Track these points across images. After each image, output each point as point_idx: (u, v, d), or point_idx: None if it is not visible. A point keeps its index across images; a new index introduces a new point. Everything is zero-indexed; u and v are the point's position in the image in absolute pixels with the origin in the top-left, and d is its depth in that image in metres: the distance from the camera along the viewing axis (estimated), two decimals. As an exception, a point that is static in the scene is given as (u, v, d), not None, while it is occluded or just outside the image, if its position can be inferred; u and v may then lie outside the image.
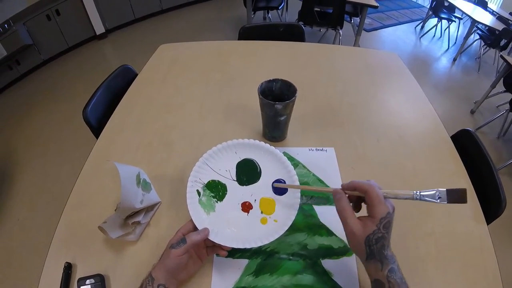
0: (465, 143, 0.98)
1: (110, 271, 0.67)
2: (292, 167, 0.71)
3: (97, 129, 1.07)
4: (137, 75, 1.29)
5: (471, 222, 0.76)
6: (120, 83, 1.26)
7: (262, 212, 0.69)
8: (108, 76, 1.25)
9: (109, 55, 3.74)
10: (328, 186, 0.82)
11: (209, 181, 0.72)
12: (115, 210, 0.75)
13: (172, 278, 0.59)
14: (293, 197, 0.68)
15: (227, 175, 0.73)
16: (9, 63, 3.02)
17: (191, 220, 0.64)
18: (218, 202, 0.70)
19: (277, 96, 0.84)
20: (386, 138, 0.97)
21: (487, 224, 0.76)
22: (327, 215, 0.76)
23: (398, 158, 0.91)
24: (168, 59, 1.36)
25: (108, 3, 3.76)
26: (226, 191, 0.72)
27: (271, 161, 0.73)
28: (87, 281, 0.64)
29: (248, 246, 0.62)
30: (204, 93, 1.15)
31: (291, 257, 0.69)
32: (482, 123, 2.63)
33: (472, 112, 2.86)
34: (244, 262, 0.68)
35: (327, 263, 0.68)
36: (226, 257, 0.67)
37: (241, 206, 0.70)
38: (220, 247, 0.63)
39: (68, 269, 0.67)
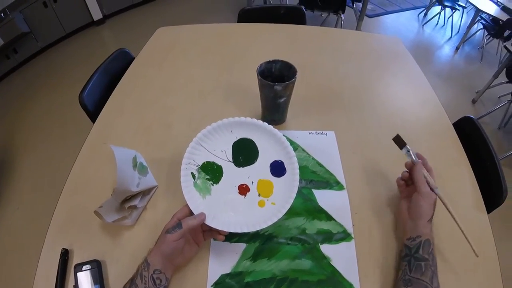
0: (467, 131, 0.96)
1: (107, 256, 0.66)
2: (290, 147, 0.69)
3: (94, 114, 1.05)
4: (134, 58, 1.26)
5: (472, 211, 0.75)
6: (117, 66, 1.23)
7: (259, 195, 0.67)
8: (105, 60, 1.22)
9: (108, 41, 3.68)
10: (328, 170, 0.81)
11: (204, 162, 0.69)
12: (112, 194, 0.74)
13: (168, 263, 0.58)
14: (292, 179, 0.66)
15: (222, 156, 0.70)
16: (6, 52, 2.97)
17: (187, 205, 0.63)
18: (214, 184, 0.68)
19: (276, 77, 0.81)
20: (388, 123, 0.95)
21: (488, 213, 0.75)
22: (327, 199, 0.75)
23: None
24: (167, 42, 1.33)
25: (105, -11, 3.68)
26: (222, 173, 0.69)
27: (269, 141, 0.71)
28: (84, 267, 0.63)
29: (245, 230, 0.60)
30: (203, 76, 1.13)
31: (289, 242, 0.68)
32: (484, 113, 2.60)
33: (474, 101, 2.83)
34: (242, 246, 0.67)
35: (326, 248, 0.67)
36: (224, 241, 0.65)
37: (238, 189, 0.68)
38: (217, 231, 0.62)
39: (65, 255, 0.66)
